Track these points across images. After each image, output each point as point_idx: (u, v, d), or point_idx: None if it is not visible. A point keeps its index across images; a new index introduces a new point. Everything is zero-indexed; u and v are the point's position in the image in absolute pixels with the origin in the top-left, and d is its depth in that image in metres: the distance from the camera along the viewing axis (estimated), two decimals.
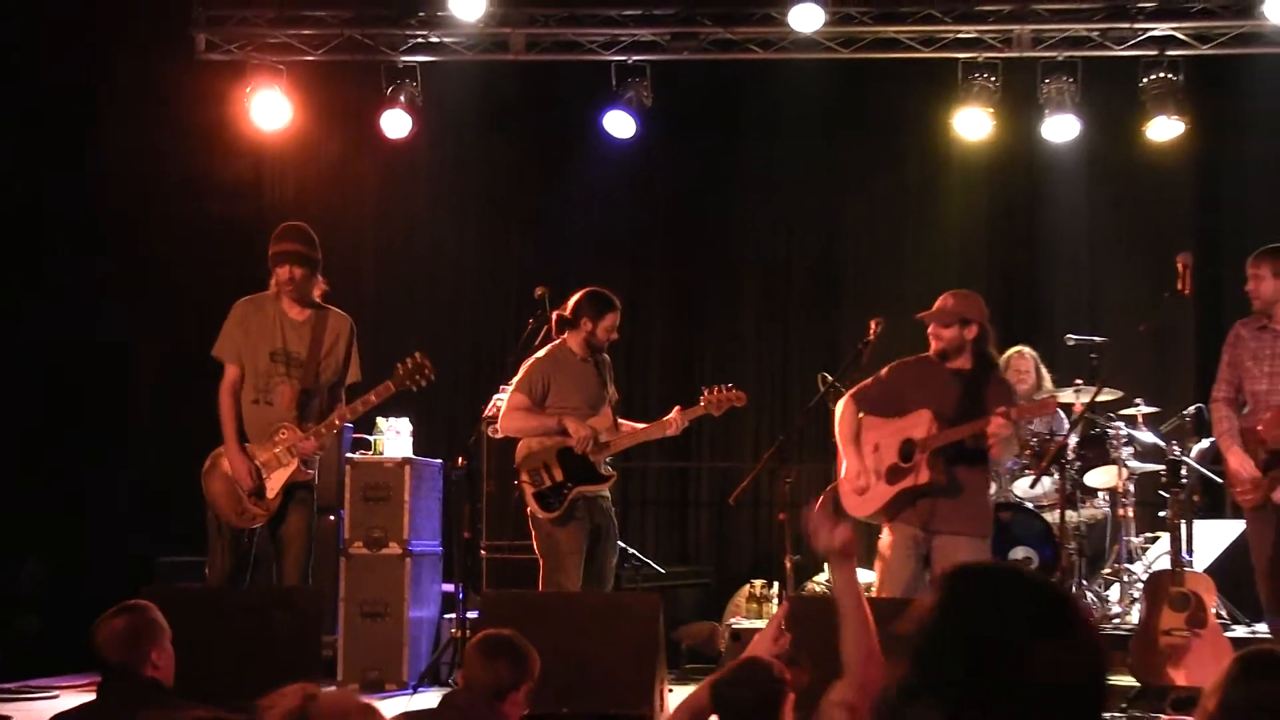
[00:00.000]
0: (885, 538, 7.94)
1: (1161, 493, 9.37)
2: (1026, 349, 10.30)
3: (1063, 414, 10.17)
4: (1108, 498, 10.15)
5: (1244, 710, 3.47)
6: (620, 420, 8.69)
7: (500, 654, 5.01)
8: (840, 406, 7.98)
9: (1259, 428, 7.79)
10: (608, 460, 8.59)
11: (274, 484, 8.12)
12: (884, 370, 8.10)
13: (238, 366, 8.23)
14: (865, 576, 9.34)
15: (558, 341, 8.68)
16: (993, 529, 8.23)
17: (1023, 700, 2.08)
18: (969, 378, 7.91)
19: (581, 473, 8.45)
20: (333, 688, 5.85)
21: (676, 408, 8.56)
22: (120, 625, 5.17)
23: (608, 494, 8.62)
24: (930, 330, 7.94)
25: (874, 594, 8.31)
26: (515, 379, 8.73)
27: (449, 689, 7.67)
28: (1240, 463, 7.81)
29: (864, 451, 7.91)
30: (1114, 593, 9.96)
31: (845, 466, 7.91)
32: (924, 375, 7.94)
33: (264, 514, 8.15)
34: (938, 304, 8.00)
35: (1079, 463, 9.76)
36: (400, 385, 8.29)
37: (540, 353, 8.70)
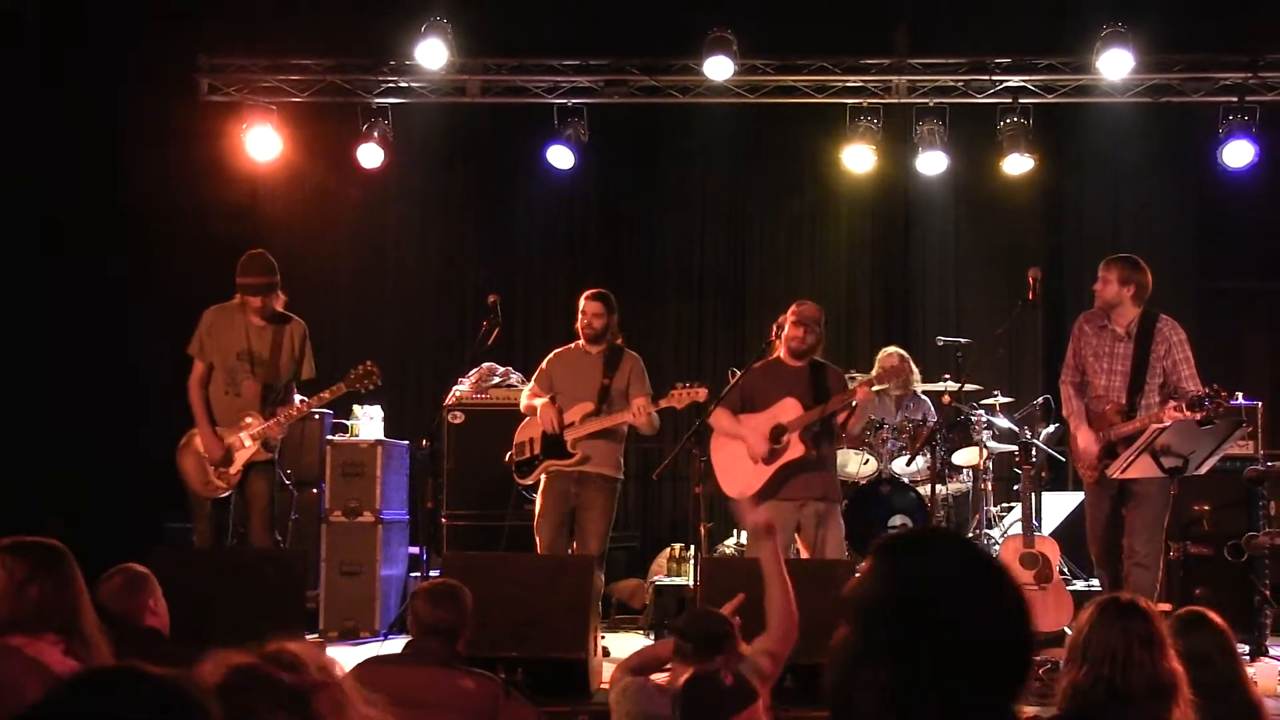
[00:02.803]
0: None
1: (1015, 469, 9.44)
2: (896, 348, 10.30)
3: (930, 403, 10.24)
4: (970, 474, 10.21)
5: (1101, 643, 3.60)
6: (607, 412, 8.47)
7: (445, 599, 4.97)
8: (715, 415, 8.01)
9: (1107, 420, 7.79)
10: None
11: (238, 461, 8.14)
12: (738, 376, 8.15)
13: (204, 364, 8.31)
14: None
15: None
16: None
17: (961, 656, 1.99)
18: (811, 371, 8.06)
19: (553, 450, 8.41)
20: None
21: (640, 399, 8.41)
22: (119, 581, 5.11)
23: (602, 471, 8.37)
24: (797, 332, 8.03)
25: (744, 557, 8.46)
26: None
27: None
28: (1088, 441, 7.77)
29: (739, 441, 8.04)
30: None
31: (745, 442, 7.98)
32: (774, 374, 8.11)
33: (226, 487, 8.19)
34: (805, 310, 8.08)
35: (946, 444, 9.81)
36: (350, 387, 8.37)
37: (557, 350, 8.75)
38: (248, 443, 8.14)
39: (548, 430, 8.39)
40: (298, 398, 8.56)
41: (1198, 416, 7.28)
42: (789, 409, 7.93)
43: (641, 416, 8.31)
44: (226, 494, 8.21)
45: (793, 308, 8.20)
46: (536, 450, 8.45)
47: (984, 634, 2.01)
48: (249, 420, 8.16)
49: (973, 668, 2.00)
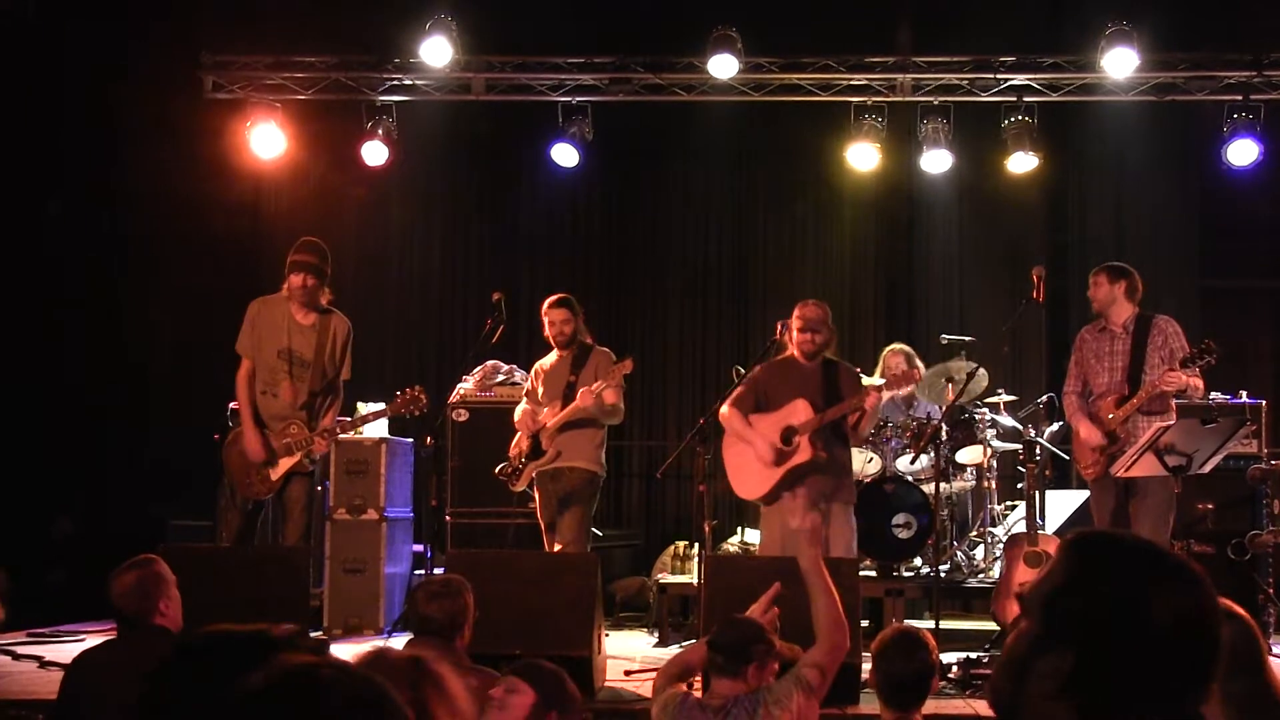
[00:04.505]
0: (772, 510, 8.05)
1: (1019, 468, 9.41)
2: (900, 345, 10.29)
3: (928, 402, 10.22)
4: (975, 472, 10.17)
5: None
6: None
7: (438, 595, 4.97)
8: (725, 412, 8.05)
9: (1103, 414, 7.86)
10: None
11: (279, 470, 8.10)
12: (751, 374, 8.14)
13: (250, 361, 8.23)
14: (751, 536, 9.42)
15: None
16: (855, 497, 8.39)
17: (1142, 643, 2.00)
18: (824, 371, 8.05)
19: (534, 451, 8.52)
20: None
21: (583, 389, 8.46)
22: (131, 579, 5.03)
23: (574, 464, 8.48)
24: (804, 336, 8.02)
25: (755, 552, 8.45)
26: None
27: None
28: (1089, 432, 7.88)
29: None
30: (980, 552, 9.99)
31: (754, 446, 7.96)
32: (787, 373, 8.09)
33: (267, 490, 8.16)
34: (808, 313, 8.07)
35: (950, 442, 9.78)
36: (396, 412, 8.43)
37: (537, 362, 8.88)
38: (291, 451, 8.10)
39: (527, 432, 8.55)
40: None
41: (1195, 373, 7.55)
42: (800, 411, 7.91)
43: (588, 401, 8.34)
44: (265, 498, 8.22)
45: (797, 310, 8.17)
46: (524, 460, 8.60)
47: (1166, 623, 2.01)
48: (293, 429, 8.12)
49: (1153, 656, 2.01)
